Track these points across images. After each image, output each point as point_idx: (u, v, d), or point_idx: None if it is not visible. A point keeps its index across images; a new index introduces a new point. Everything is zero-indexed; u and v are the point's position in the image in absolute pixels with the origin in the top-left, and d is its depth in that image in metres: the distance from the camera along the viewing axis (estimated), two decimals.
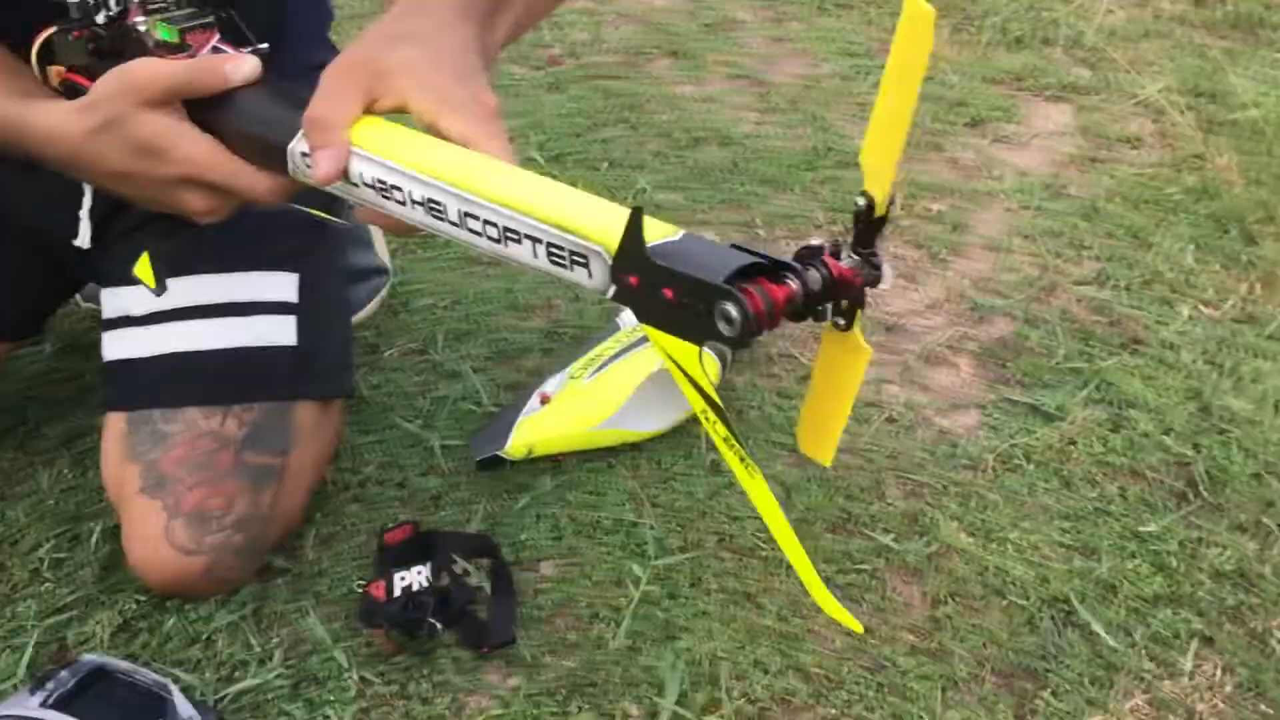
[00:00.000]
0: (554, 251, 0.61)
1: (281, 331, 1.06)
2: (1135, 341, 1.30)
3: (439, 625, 0.99)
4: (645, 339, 1.21)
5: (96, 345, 1.09)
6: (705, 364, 1.22)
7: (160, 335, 1.06)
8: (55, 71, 0.84)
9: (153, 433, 1.03)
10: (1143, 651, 0.97)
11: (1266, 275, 1.35)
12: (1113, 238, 1.47)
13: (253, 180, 0.77)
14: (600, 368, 1.19)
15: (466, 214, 0.64)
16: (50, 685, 0.89)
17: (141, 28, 0.80)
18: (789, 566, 1.07)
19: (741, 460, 0.59)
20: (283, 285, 1.08)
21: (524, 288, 1.41)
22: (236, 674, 0.97)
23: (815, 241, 0.59)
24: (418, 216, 0.68)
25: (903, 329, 1.37)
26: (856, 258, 0.58)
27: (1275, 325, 1.28)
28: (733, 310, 0.53)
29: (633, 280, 0.56)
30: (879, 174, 0.57)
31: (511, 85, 1.84)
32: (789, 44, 2.00)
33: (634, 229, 0.56)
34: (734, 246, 0.57)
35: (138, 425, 1.03)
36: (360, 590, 1.03)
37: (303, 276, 1.09)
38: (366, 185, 0.70)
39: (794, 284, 0.55)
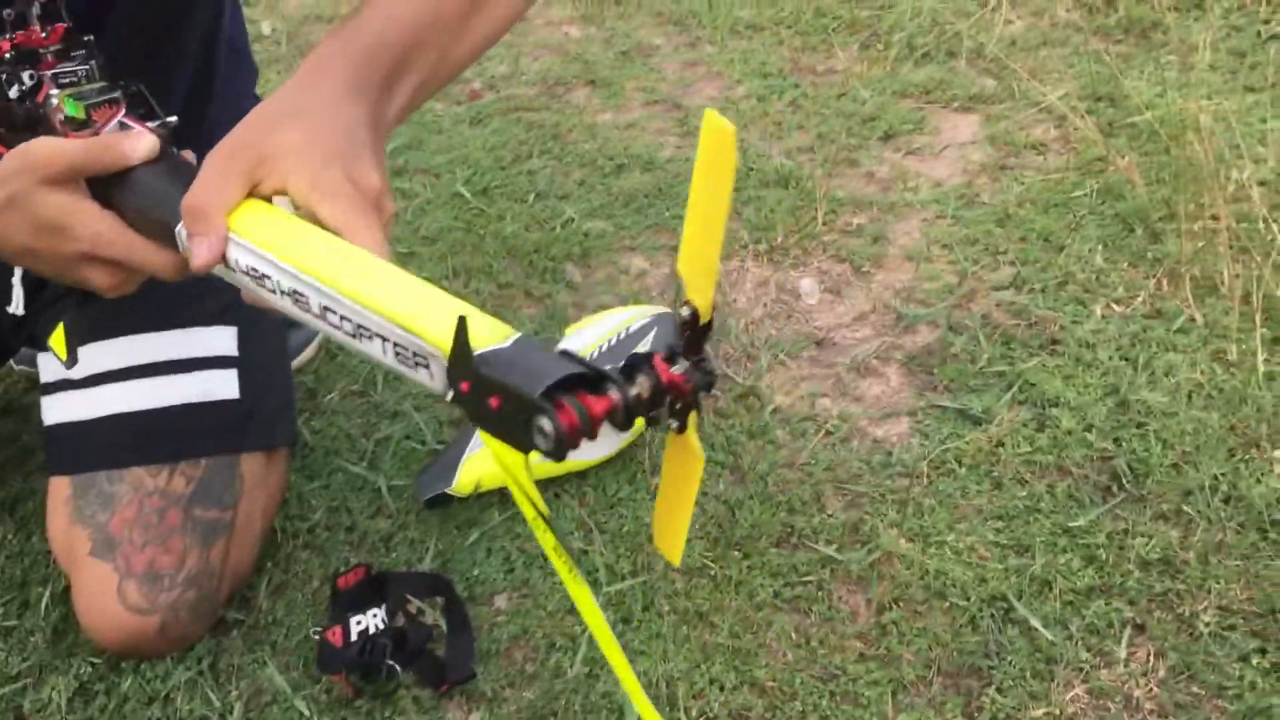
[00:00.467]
0: (400, 351, 0.62)
1: (224, 385, 1.07)
2: (1053, 342, 1.35)
3: (398, 666, 1.01)
4: None
5: (33, 408, 1.09)
6: None
7: (102, 396, 1.07)
8: None
9: (99, 495, 1.03)
10: (1079, 643, 1.01)
11: (1171, 271, 1.41)
12: (1026, 242, 1.52)
13: (151, 257, 0.77)
14: None
15: (326, 308, 0.65)
16: None
17: (53, 102, 0.80)
18: (738, 584, 1.10)
19: (569, 569, 0.60)
20: (222, 339, 1.09)
21: None
22: None
23: (644, 349, 0.60)
24: (286, 306, 0.68)
25: (832, 343, 1.41)
26: (687, 364, 0.59)
27: (1182, 320, 1.34)
28: (546, 424, 0.53)
29: (464, 386, 0.57)
30: (699, 283, 0.58)
31: (434, 121, 1.86)
32: (703, 67, 2.04)
33: (461, 336, 0.56)
34: (562, 353, 0.57)
35: (84, 488, 1.03)
36: (317, 637, 1.04)
37: (241, 329, 1.09)
38: (242, 272, 0.70)
39: (614, 395, 0.55)
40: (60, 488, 1.05)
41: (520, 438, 0.55)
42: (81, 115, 0.80)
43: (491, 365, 0.56)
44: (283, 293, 0.67)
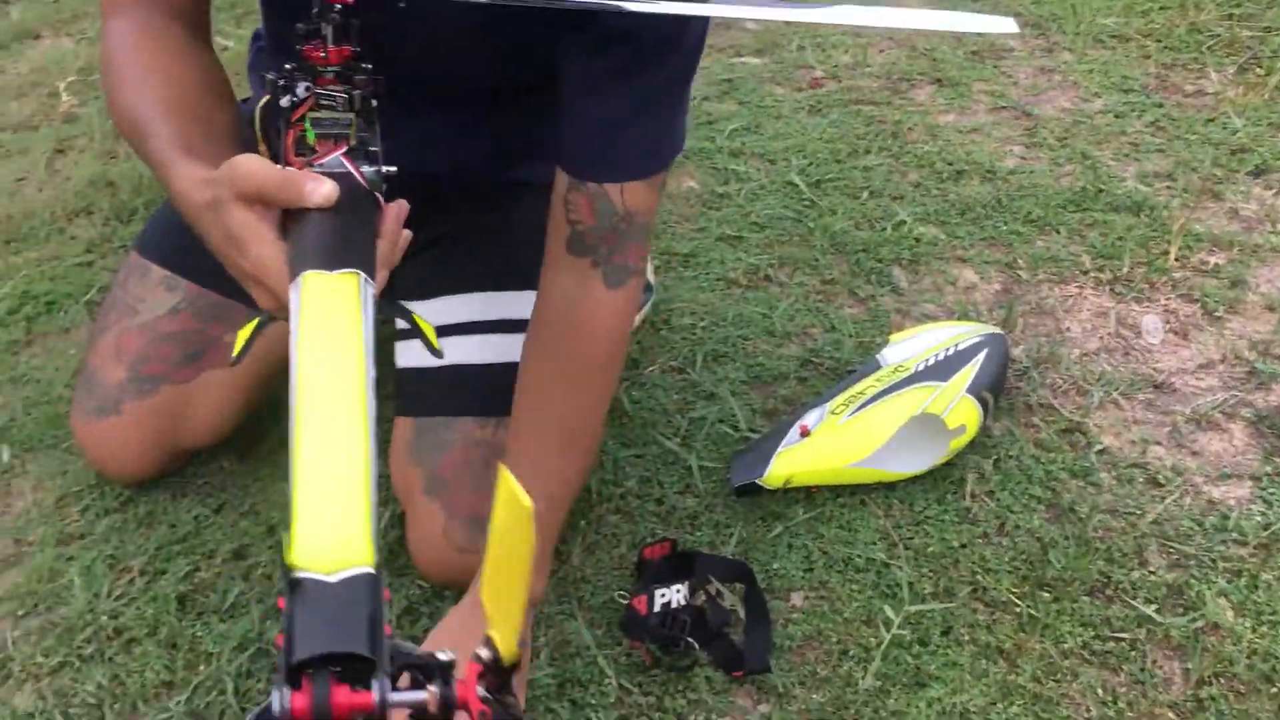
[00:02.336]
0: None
1: None
2: None
3: (695, 644, 1.04)
4: (907, 380, 1.22)
5: (385, 348, 1.17)
6: (966, 408, 1.20)
7: (447, 347, 1.14)
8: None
9: (435, 439, 1.10)
10: None
11: None
12: None
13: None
14: (861, 406, 1.20)
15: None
16: None
17: (306, 122, 0.81)
18: (1044, 626, 1.06)
19: None
20: None
21: (781, 314, 1.43)
22: None
23: (446, 657, 0.51)
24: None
25: (1172, 388, 1.33)
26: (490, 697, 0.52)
27: None
28: (275, 698, 0.46)
29: (279, 601, 0.51)
30: (501, 622, 0.52)
31: (774, 105, 1.87)
32: (1058, 75, 1.95)
33: (285, 552, 0.51)
34: (372, 618, 0.49)
35: (422, 431, 1.11)
36: (623, 602, 1.08)
37: None
38: None
39: (374, 696, 0.47)
40: (403, 427, 1.13)
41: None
42: (311, 141, 0.80)
43: (300, 597, 0.49)
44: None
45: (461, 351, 1.13)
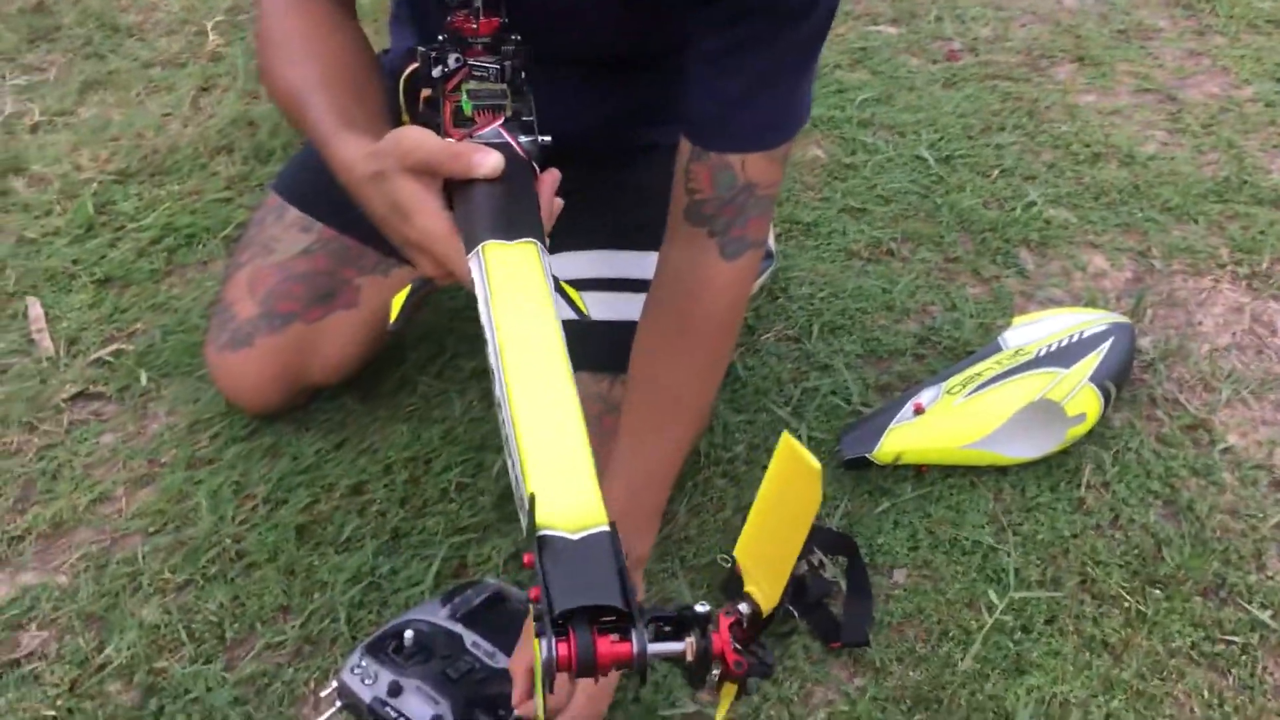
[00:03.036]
0: (515, 478, 0.60)
1: None
2: None
3: (795, 612, 1.04)
4: (1028, 364, 1.20)
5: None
6: (1087, 396, 1.19)
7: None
8: (423, 93, 0.89)
9: None
10: None
11: None
12: None
13: (459, 265, 0.76)
14: (979, 388, 1.18)
15: (499, 397, 0.63)
16: (457, 601, 1.01)
17: (460, 94, 0.83)
18: (1152, 624, 1.04)
19: None
20: None
21: (902, 290, 1.41)
22: None
23: (702, 609, 0.54)
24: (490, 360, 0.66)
25: None
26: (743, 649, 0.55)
27: None
28: (544, 646, 0.49)
29: (526, 559, 0.54)
30: (762, 578, 0.55)
31: (907, 77, 1.84)
32: (1208, 59, 1.87)
33: (531, 513, 0.54)
34: (620, 574, 0.52)
35: None
36: (725, 565, 1.09)
37: None
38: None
39: (634, 647, 0.51)
40: None
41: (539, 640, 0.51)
42: (468, 113, 0.82)
43: (550, 554, 0.52)
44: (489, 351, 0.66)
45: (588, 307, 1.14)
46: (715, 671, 0.57)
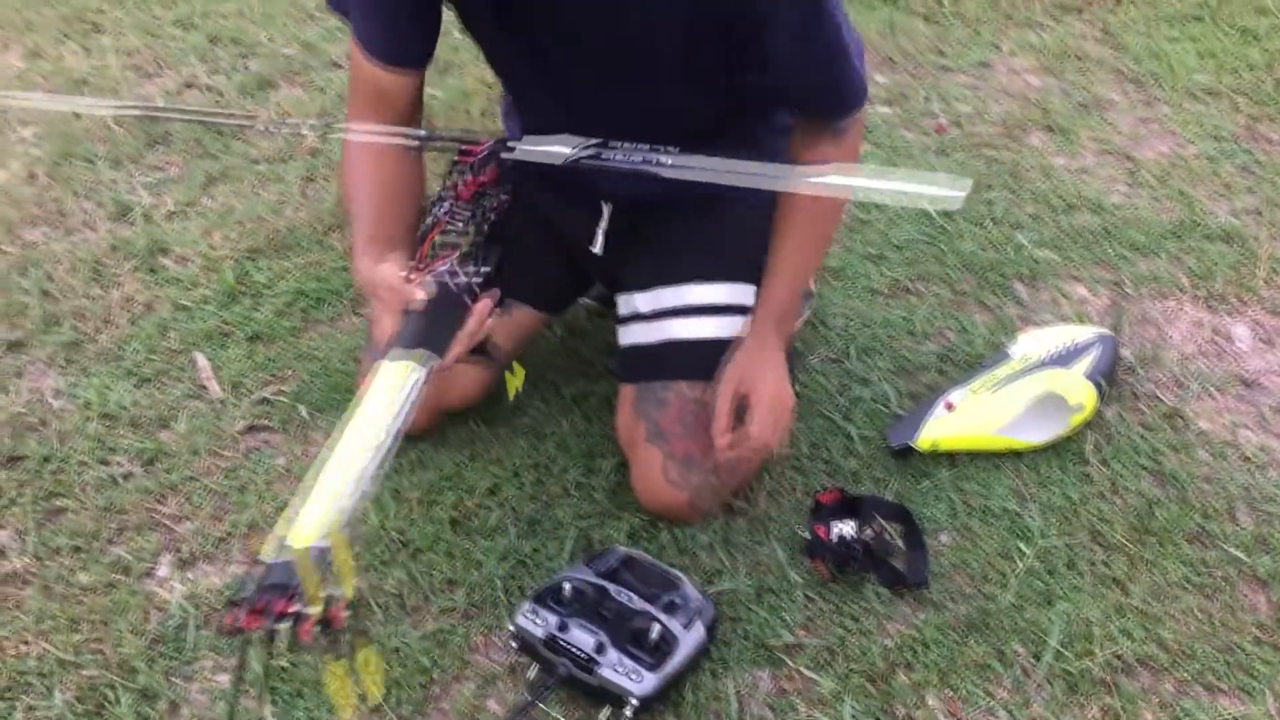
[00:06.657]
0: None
1: (746, 328, 1.40)
2: None
3: (869, 567, 1.30)
4: (1034, 367, 1.48)
5: (593, 331, 1.46)
6: (1084, 388, 1.47)
7: (662, 328, 1.43)
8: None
9: (655, 398, 1.38)
10: None
11: None
12: None
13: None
14: (997, 387, 1.46)
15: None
16: (598, 563, 1.25)
17: (438, 236, 1.18)
18: (1151, 564, 1.30)
19: None
20: (748, 294, 1.42)
21: (921, 318, 1.69)
22: (714, 579, 1.30)
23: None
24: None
25: (1260, 385, 1.56)
26: None
27: None
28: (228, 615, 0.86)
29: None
30: None
31: (904, 147, 2.14)
32: (1157, 124, 2.20)
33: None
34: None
35: (644, 393, 1.40)
36: (804, 537, 1.35)
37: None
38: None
39: (294, 606, 0.89)
40: (628, 392, 1.42)
41: None
42: (430, 254, 1.16)
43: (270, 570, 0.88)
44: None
45: (675, 329, 1.41)
46: None
